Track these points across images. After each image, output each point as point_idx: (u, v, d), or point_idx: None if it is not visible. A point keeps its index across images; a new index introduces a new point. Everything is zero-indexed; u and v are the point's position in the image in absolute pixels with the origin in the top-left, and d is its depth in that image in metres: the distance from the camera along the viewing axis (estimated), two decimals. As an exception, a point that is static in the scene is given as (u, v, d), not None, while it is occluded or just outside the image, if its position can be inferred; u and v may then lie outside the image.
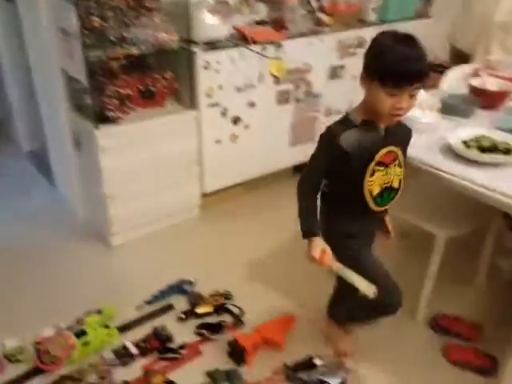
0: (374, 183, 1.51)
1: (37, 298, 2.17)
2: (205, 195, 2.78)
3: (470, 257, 2.27)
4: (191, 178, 2.66)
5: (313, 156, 1.57)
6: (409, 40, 1.40)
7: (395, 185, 1.57)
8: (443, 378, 1.83)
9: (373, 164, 1.48)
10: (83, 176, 2.59)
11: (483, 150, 1.70)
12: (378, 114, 1.45)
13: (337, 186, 1.59)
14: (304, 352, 1.88)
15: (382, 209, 1.60)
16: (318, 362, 1.83)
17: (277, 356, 1.89)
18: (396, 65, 1.36)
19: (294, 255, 2.43)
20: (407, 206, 2.02)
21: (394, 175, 1.55)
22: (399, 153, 1.54)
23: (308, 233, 1.53)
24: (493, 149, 1.70)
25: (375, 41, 1.45)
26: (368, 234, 1.71)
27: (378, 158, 1.48)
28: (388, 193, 1.56)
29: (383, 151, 1.49)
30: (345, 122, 1.51)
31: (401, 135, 1.57)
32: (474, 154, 1.68)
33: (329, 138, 1.51)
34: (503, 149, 1.70)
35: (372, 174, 1.49)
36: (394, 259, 2.43)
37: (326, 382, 1.74)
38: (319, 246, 1.50)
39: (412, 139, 1.62)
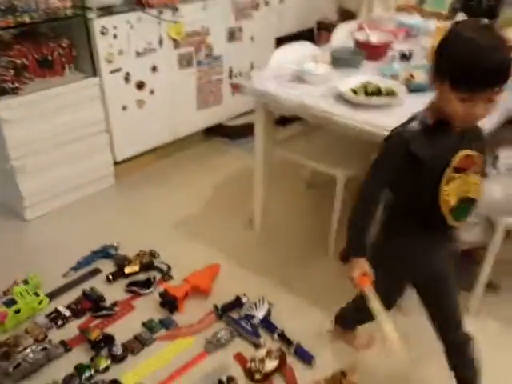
0: (450, 193, 1.29)
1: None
2: (117, 164, 2.80)
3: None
4: (102, 147, 2.66)
5: (375, 164, 1.37)
6: (489, 32, 1.20)
7: (473, 195, 1.35)
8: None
9: (449, 170, 1.28)
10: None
11: (369, 93, 1.91)
12: (451, 117, 1.25)
13: (404, 197, 1.37)
14: (230, 295, 2.03)
15: (459, 224, 1.39)
16: (244, 299, 2.00)
17: (206, 302, 2.03)
18: (471, 63, 1.15)
19: (209, 213, 2.59)
20: (311, 154, 2.23)
21: (472, 184, 1.33)
22: (477, 158, 1.32)
23: (354, 253, 1.41)
24: (377, 93, 1.92)
25: (449, 33, 1.23)
26: (437, 259, 1.46)
27: (454, 163, 1.27)
28: (466, 205, 1.35)
29: (460, 155, 1.28)
30: (414, 124, 1.29)
31: (476, 138, 1.36)
32: (361, 98, 1.89)
33: (397, 143, 1.31)
34: (386, 92, 1.93)
35: (448, 183, 1.28)
36: (305, 206, 2.68)
37: (252, 315, 1.91)
38: (361, 268, 1.38)
39: (308, 89, 1.73)
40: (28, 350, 1.65)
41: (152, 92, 2.76)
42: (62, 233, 2.42)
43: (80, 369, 1.68)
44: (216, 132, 3.28)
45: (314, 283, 2.15)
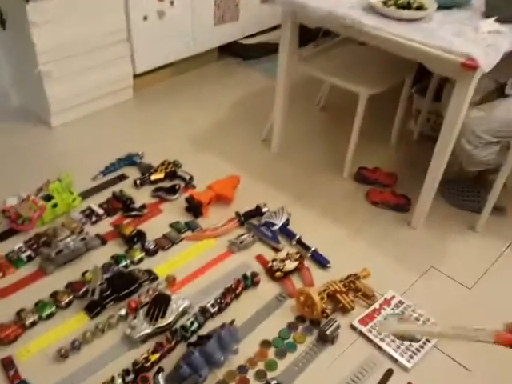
0: None
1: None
2: (136, 77, 2.83)
3: (385, 120, 2.63)
4: (123, 57, 2.69)
5: None
6: None
7: None
8: (366, 216, 2.21)
9: None
10: (12, 58, 2.51)
11: (399, 7, 1.93)
12: None
13: None
14: (251, 205, 2.14)
15: None
16: (264, 209, 2.12)
17: (228, 209, 2.15)
18: None
19: (225, 130, 2.66)
20: (334, 71, 2.27)
21: None
22: None
23: None
24: (407, 6, 1.94)
25: None
26: None
27: None
28: None
29: None
30: None
31: None
32: (392, 10, 1.91)
33: None
34: (416, 6, 1.94)
35: None
36: (319, 129, 2.76)
37: (272, 222, 2.04)
38: None
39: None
40: (68, 239, 1.78)
41: (172, 3, 2.76)
42: (87, 140, 2.50)
43: (117, 258, 1.82)
44: (230, 51, 3.32)
45: (329, 200, 2.27)
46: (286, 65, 2.28)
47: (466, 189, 2.27)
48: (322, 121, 2.83)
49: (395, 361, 1.61)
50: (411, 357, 1.61)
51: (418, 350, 1.64)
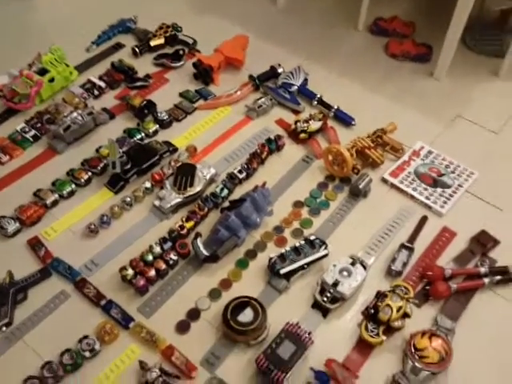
0: None
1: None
2: None
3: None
4: None
5: None
6: None
7: None
8: (386, 70, 2.06)
9: None
10: None
11: None
12: None
13: None
14: (264, 67, 1.97)
15: None
16: (279, 70, 1.96)
17: (240, 74, 1.98)
18: None
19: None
20: None
21: None
22: None
23: None
24: None
25: None
26: None
27: None
28: None
29: None
30: None
31: None
32: None
33: None
34: None
35: None
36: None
37: (289, 83, 1.89)
38: None
39: None
40: (75, 114, 1.63)
41: None
42: (73, 7, 2.24)
43: (130, 132, 1.70)
44: None
45: (345, 56, 2.10)
46: None
47: (487, 33, 2.13)
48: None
49: (429, 208, 1.58)
50: (445, 202, 1.59)
51: (451, 195, 1.61)
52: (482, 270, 1.40)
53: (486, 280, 1.38)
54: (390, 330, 1.27)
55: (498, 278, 1.39)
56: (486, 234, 1.50)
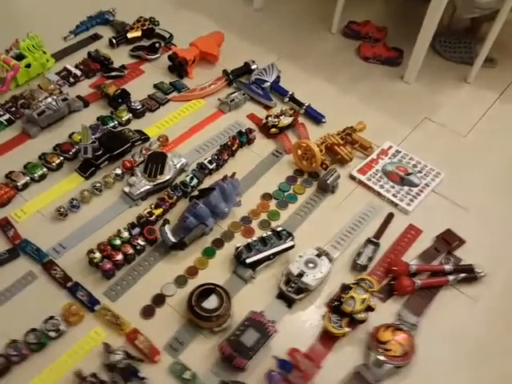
0: None
1: None
2: None
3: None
4: None
5: None
6: None
7: None
8: (358, 72, 2.12)
9: None
10: None
11: None
12: None
13: None
14: (238, 63, 2.00)
15: None
16: (253, 66, 2.00)
17: (215, 68, 2.02)
18: None
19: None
20: None
21: None
22: None
23: None
24: None
25: None
26: None
27: None
28: None
29: None
30: None
31: None
32: None
33: None
34: None
35: None
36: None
37: (262, 79, 1.93)
38: None
39: None
40: (50, 99, 1.64)
41: None
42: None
43: (103, 119, 1.71)
44: None
45: (319, 56, 2.16)
46: None
47: (457, 40, 2.20)
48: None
49: (395, 205, 1.63)
50: (411, 200, 1.64)
51: (417, 194, 1.67)
52: (447, 267, 1.44)
53: (451, 277, 1.42)
54: (353, 322, 1.30)
55: (463, 275, 1.43)
56: (452, 233, 1.55)
